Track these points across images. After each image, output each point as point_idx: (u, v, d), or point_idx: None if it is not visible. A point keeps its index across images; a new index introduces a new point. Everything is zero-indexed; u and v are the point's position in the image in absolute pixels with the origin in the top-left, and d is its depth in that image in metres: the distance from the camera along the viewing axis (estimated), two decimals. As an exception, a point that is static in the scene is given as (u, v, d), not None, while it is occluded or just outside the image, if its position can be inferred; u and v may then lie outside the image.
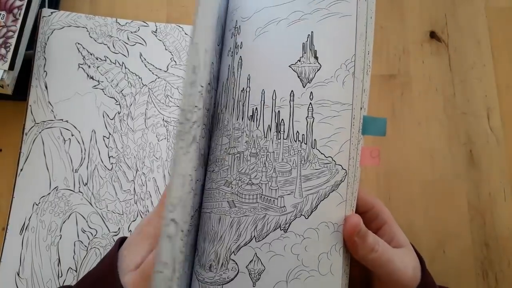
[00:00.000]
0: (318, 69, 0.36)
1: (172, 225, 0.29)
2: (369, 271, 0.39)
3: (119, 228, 0.59)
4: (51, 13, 0.66)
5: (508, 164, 0.62)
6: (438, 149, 0.64)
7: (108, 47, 0.66)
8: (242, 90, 0.38)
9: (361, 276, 0.41)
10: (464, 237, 0.60)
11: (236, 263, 0.35)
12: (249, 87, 0.38)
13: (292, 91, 0.36)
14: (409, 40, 0.69)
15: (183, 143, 0.30)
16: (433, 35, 0.68)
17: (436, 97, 0.66)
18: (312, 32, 0.36)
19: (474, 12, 0.69)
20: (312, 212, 0.34)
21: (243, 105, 0.38)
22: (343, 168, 0.35)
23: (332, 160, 0.35)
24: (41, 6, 0.65)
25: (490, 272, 0.59)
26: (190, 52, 0.32)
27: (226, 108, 0.39)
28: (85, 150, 0.61)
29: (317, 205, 0.34)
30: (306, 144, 0.35)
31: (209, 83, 0.36)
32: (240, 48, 0.39)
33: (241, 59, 0.39)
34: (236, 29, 0.40)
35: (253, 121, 0.37)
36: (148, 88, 0.65)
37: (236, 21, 0.41)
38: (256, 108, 0.37)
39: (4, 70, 0.56)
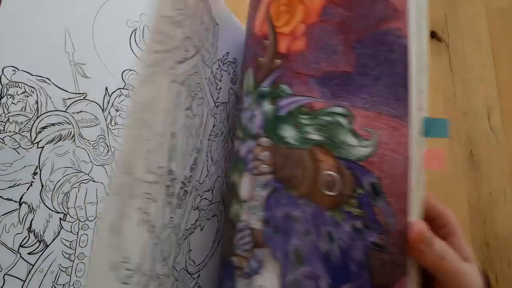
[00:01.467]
0: None
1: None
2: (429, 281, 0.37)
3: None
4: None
5: (508, 164, 0.62)
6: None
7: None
8: None
9: None
10: (464, 237, 0.60)
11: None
12: None
13: None
14: (409, 40, 0.68)
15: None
16: (433, 35, 0.68)
17: (437, 97, 0.66)
18: None
19: (475, 12, 0.69)
20: None
21: None
22: None
23: None
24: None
25: (490, 272, 0.59)
26: None
27: None
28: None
29: None
30: None
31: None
32: None
33: None
34: None
35: None
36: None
37: None
38: None
39: (5, 70, 0.56)
